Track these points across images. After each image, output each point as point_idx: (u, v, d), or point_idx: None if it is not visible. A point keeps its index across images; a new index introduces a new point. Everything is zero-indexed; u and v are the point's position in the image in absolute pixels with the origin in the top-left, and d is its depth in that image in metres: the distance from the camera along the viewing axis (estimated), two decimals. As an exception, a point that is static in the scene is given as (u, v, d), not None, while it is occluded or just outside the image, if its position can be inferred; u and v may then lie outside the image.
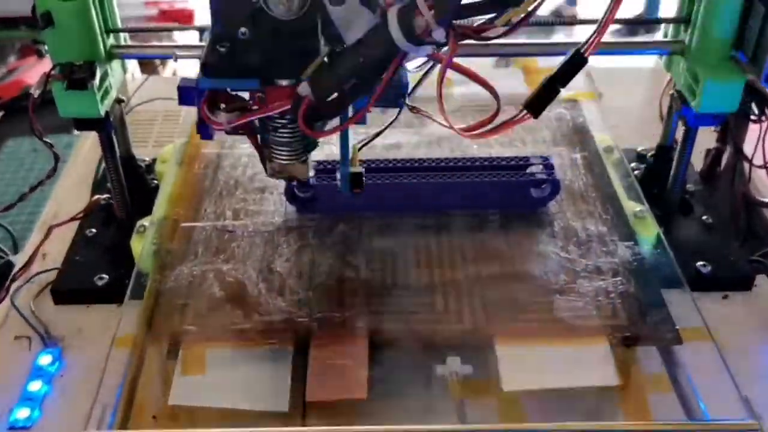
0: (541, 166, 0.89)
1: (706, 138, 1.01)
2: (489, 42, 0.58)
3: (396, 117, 0.71)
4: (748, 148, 0.96)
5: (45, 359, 0.78)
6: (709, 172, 1.03)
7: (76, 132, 0.98)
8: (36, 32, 0.80)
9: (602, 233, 0.86)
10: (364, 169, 0.75)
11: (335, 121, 0.67)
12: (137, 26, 0.89)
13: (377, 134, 0.74)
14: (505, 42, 0.63)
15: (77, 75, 0.79)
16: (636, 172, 0.98)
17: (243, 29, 0.63)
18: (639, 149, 1.03)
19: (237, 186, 0.93)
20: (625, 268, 0.81)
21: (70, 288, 0.86)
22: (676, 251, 0.83)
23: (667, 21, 0.87)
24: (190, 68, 1.87)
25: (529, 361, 0.74)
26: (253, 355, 0.75)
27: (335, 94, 0.61)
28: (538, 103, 0.61)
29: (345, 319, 0.76)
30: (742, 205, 0.96)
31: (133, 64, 1.42)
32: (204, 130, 0.69)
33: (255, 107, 0.66)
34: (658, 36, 0.90)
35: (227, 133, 0.69)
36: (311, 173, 0.85)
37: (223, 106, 0.67)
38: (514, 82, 1.13)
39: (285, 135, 0.70)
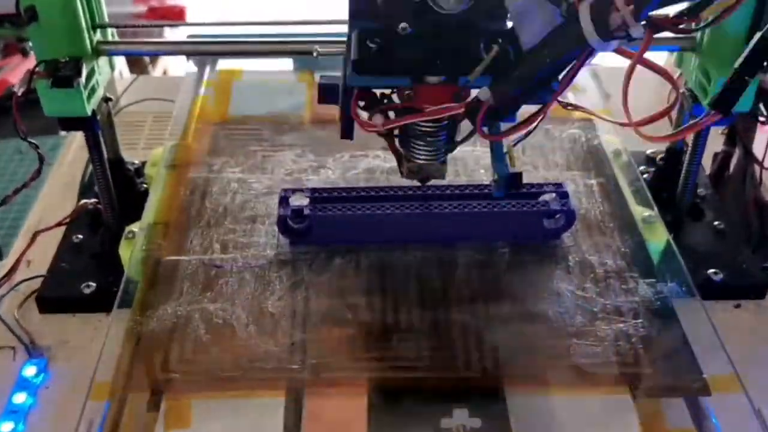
0: (554, 194, 0.86)
1: (714, 141, 1.00)
2: (684, 35, 0.58)
3: (545, 114, 0.68)
4: (757, 150, 0.96)
5: (30, 370, 0.79)
6: (717, 176, 1.02)
7: (62, 133, 1.00)
8: (20, 30, 0.80)
9: (621, 268, 0.83)
10: (521, 171, 0.75)
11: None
12: (125, 22, 0.89)
13: (529, 132, 0.72)
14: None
15: (62, 72, 0.79)
16: (645, 175, 0.98)
17: (403, 24, 0.63)
18: (648, 152, 1.03)
19: (226, 215, 0.91)
20: (646, 308, 0.78)
21: (56, 296, 0.87)
22: (686, 258, 0.83)
23: None
24: (180, 67, 1.86)
25: (542, 412, 0.71)
26: (242, 406, 0.72)
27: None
28: (726, 99, 0.59)
29: (342, 366, 0.74)
30: (754, 210, 0.96)
31: (121, 63, 1.44)
32: (349, 131, 0.70)
33: (406, 107, 0.67)
34: (668, 32, 0.88)
35: (379, 134, 0.70)
36: (305, 202, 0.84)
37: (362, 104, 0.68)
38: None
39: (429, 134, 0.71)
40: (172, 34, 2.04)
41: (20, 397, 0.76)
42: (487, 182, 0.88)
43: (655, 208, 0.89)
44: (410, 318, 0.79)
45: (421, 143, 0.72)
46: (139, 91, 1.24)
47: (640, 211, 0.89)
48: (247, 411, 0.72)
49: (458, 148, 0.98)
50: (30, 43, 0.81)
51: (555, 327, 0.77)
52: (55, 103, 0.81)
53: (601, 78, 1.15)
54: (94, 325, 0.84)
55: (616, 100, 1.12)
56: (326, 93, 0.69)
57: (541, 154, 0.99)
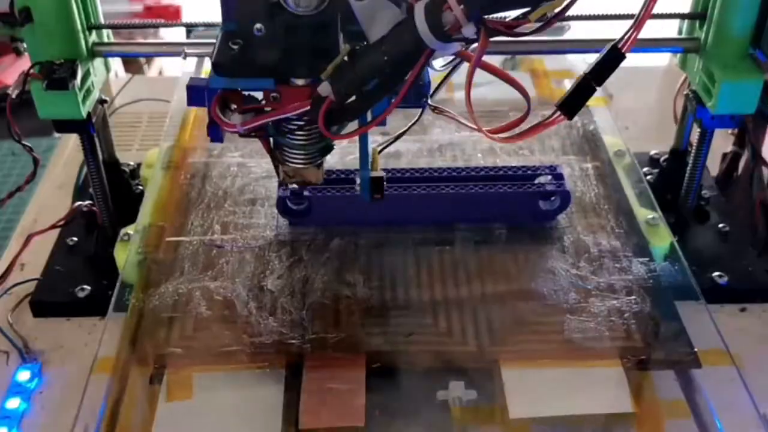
0: (549, 177, 0.89)
1: (722, 141, 1.01)
2: (521, 38, 0.57)
3: (418, 118, 0.71)
4: (766, 152, 0.96)
5: (23, 375, 0.78)
6: (725, 178, 1.03)
7: (56, 134, 0.98)
8: (14, 29, 0.80)
9: (615, 248, 0.85)
10: (385, 174, 0.74)
11: (353, 124, 0.67)
12: (121, 23, 0.89)
13: (398, 136, 0.74)
14: (531, 39, 0.63)
15: (57, 74, 0.79)
16: (648, 177, 0.98)
17: (258, 25, 0.63)
18: (652, 153, 1.03)
19: (226, 197, 0.93)
20: (639, 286, 0.80)
21: (50, 300, 0.86)
22: (691, 261, 0.84)
23: (682, 17, 0.87)
24: (176, 67, 1.86)
25: (537, 386, 0.73)
26: (242, 379, 0.74)
27: (357, 95, 0.61)
28: (572, 102, 0.60)
29: (341, 340, 0.76)
30: (761, 212, 0.96)
31: (116, 63, 1.42)
32: (215, 132, 0.68)
33: (269, 108, 0.66)
34: (672, 33, 0.89)
35: (240, 135, 0.68)
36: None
37: (234, 107, 0.67)
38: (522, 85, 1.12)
39: (300, 137, 0.70)
40: (168, 34, 2.05)
41: (14, 403, 0.75)
42: (485, 165, 0.91)
43: (659, 211, 0.90)
44: (408, 296, 0.81)
45: (292, 146, 0.70)
46: (135, 92, 1.24)
47: (643, 214, 0.89)
48: (248, 383, 0.74)
49: (456, 134, 1.01)
50: (23, 43, 0.81)
51: (550, 303, 0.79)
52: (50, 106, 0.81)
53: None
54: (89, 329, 0.84)
55: (617, 101, 1.14)
56: (193, 95, 0.67)
57: (538, 139, 1.01)
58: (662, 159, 1.00)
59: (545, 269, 0.83)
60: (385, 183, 0.74)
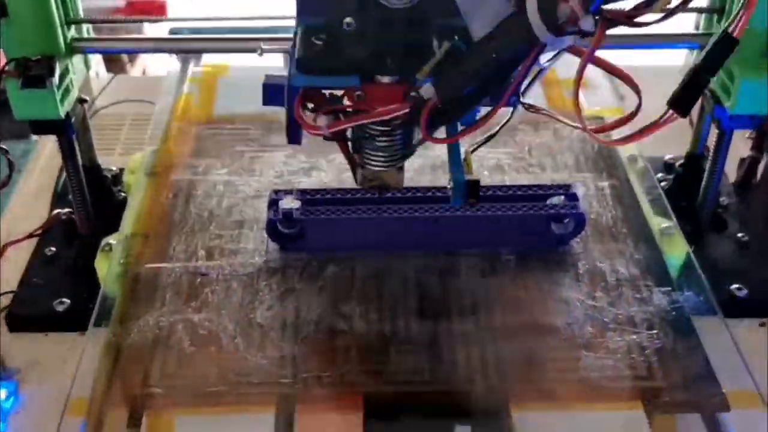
0: (563, 197, 0.87)
1: (740, 145, 1.01)
2: (641, 31, 0.58)
3: (510, 118, 0.69)
4: None
5: None
6: (743, 184, 1.03)
7: (34, 137, 0.98)
8: None
9: (635, 276, 0.84)
10: (479, 178, 0.73)
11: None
12: (102, 17, 0.89)
13: (490, 137, 0.72)
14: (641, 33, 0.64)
15: (34, 71, 0.79)
16: (663, 183, 0.98)
17: (348, 19, 0.63)
18: (666, 158, 1.03)
19: (211, 219, 0.92)
20: (661, 319, 0.79)
21: (27, 314, 0.87)
22: (708, 272, 0.83)
23: (699, 11, 0.87)
24: (160, 65, 1.86)
25: (551, 430, 0.73)
26: (228, 423, 0.73)
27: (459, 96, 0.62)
28: (685, 98, 0.60)
29: (336, 380, 0.75)
30: None
31: (97, 61, 1.43)
32: (295, 134, 0.69)
33: (353, 109, 0.67)
34: (689, 28, 0.89)
35: (325, 138, 0.69)
36: (297, 205, 0.85)
37: (311, 106, 0.68)
38: (532, 98, 1.11)
39: (384, 139, 0.70)
40: (152, 30, 2.06)
41: (-12, 425, 0.76)
42: (492, 184, 0.90)
43: (674, 219, 0.89)
44: (409, 329, 0.80)
45: (374, 148, 0.71)
46: (117, 92, 1.24)
47: (657, 222, 0.89)
48: (235, 428, 0.73)
49: (462, 150, 1.00)
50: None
51: (564, 339, 0.78)
52: (26, 105, 0.81)
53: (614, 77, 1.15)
54: (69, 344, 0.84)
55: (630, 102, 1.13)
56: (271, 94, 0.68)
57: (549, 155, 1.00)
58: (678, 164, 1.00)
59: (558, 300, 0.82)
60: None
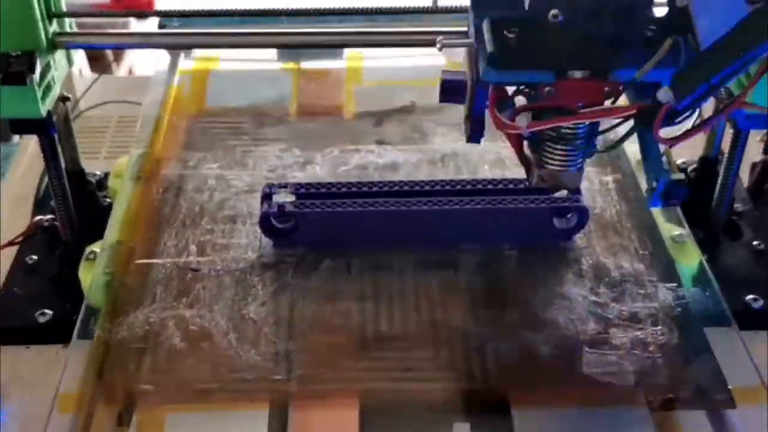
0: (565, 191, 0.87)
1: (752, 149, 1.01)
2: None
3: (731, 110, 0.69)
4: None
5: None
6: (756, 189, 1.03)
7: (15, 140, 0.97)
8: None
9: (639, 272, 0.85)
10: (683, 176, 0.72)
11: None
12: (86, 11, 0.89)
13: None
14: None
15: (14, 67, 0.79)
16: None
17: (555, 11, 0.62)
18: (679, 162, 1.03)
19: (203, 214, 0.93)
20: (666, 315, 0.80)
21: (8, 325, 0.87)
22: (721, 282, 0.83)
23: None
24: (147, 62, 1.85)
25: (552, 427, 0.73)
26: (221, 420, 0.74)
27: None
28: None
29: (331, 377, 0.76)
30: None
31: (81, 59, 1.42)
32: (478, 133, 0.69)
33: (555, 105, 0.65)
34: None
35: (524, 138, 0.69)
36: (291, 199, 0.85)
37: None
38: None
39: (567, 138, 0.69)
40: (139, 25, 2.06)
41: (-32, 440, 0.76)
42: (492, 178, 0.91)
43: (686, 226, 0.90)
44: (406, 325, 0.81)
45: (560, 147, 0.70)
46: (102, 93, 1.24)
47: (669, 229, 0.89)
48: (227, 425, 0.73)
49: (460, 143, 1.01)
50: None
51: (566, 335, 0.79)
52: (6, 103, 0.81)
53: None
54: (51, 358, 0.84)
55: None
56: (450, 90, 0.67)
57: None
58: (690, 168, 1.00)
59: (560, 296, 0.83)
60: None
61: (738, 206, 0.97)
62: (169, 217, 0.92)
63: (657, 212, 0.91)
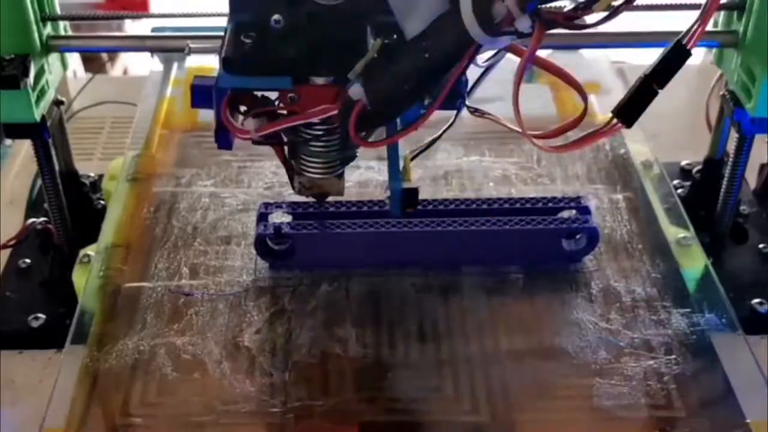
0: (574, 211, 0.87)
1: (758, 151, 1.00)
2: (581, 31, 0.58)
3: (453, 121, 0.70)
4: None
5: None
6: (763, 191, 1.03)
7: (7, 142, 0.98)
8: None
9: (652, 297, 0.84)
10: (419, 186, 0.74)
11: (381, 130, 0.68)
12: (81, 13, 0.90)
13: (432, 142, 0.74)
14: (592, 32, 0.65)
15: (7, 71, 0.79)
16: (679, 190, 1.00)
17: (276, 16, 0.63)
18: (683, 163, 1.04)
19: (195, 235, 0.92)
20: (681, 343, 0.79)
21: (0, 330, 0.87)
22: (727, 286, 0.83)
23: (719, 7, 0.87)
24: (142, 64, 1.86)
25: (562, 462, 0.72)
26: (214, 455, 0.73)
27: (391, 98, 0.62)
28: (631, 108, 0.60)
29: (329, 408, 0.74)
30: None
31: (75, 60, 1.43)
32: (224, 138, 0.69)
33: (286, 111, 0.67)
34: (708, 25, 0.89)
35: (253, 142, 0.69)
36: (287, 219, 0.84)
37: (243, 109, 0.68)
38: (541, 101, 1.11)
39: (320, 144, 0.70)
40: (133, 27, 2.06)
41: (-42, 450, 0.76)
42: (498, 197, 0.90)
43: (692, 229, 0.89)
44: (408, 353, 0.79)
45: (310, 153, 0.72)
46: (96, 93, 1.24)
47: (674, 232, 0.89)
48: (220, 461, 0.72)
49: (465, 159, 1.00)
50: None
51: (575, 364, 0.78)
52: None
53: (627, 77, 1.16)
54: (44, 363, 0.84)
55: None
56: (200, 96, 0.68)
57: (559, 165, 1.00)
58: (695, 170, 1.01)
59: (569, 322, 0.82)
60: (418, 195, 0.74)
61: (744, 208, 0.98)
62: (161, 238, 0.91)
63: (662, 216, 0.91)
